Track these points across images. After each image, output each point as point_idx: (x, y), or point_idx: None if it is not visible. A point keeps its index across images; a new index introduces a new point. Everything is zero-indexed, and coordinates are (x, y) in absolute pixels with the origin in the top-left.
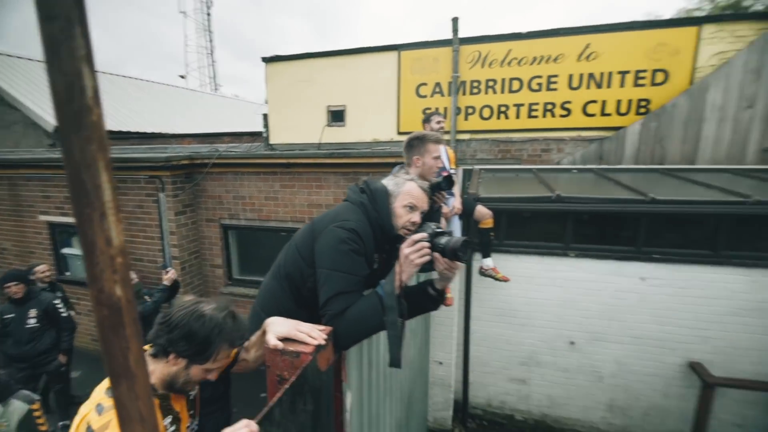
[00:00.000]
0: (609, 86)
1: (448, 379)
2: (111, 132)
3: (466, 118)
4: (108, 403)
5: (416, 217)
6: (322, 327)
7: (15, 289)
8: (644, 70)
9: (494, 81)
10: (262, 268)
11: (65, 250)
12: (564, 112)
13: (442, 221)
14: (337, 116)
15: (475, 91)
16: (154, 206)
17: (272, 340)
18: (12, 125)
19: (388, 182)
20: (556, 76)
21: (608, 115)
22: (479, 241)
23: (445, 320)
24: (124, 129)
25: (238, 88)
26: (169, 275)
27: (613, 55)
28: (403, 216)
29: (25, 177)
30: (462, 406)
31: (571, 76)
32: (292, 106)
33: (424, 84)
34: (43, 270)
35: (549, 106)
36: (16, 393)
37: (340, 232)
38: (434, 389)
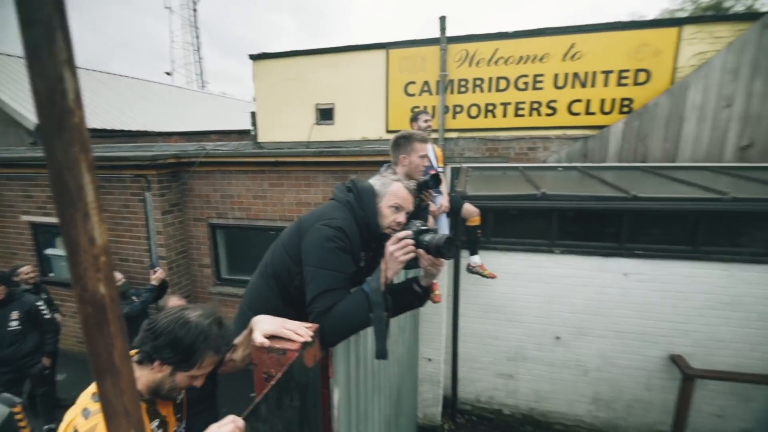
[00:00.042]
0: (593, 86)
1: (437, 376)
2: (95, 130)
3: (454, 117)
4: (94, 407)
5: (402, 218)
6: (309, 324)
7: None
8: (627, 70)
9: (481, 80)
10: (251, 267)
11: (48, 251)
12: (550, 111)
13: (430, 219)
14: (325, 114)
15: (463, 89)
16: (140, 205)
17: (259, 338)
18: None
19: (375, 182)
20: (542, 75)
21: (593, 114)
22: (467, 239)
23: (434, 317)
24: (109, 127)
25: (226, 85)
26: (157, 275)
27: (597, 55)
28: (388, 216)
29: (6, 176)
30: (451, 402)
31: (556, 76)
32: (280, 105)
33: (413, 82)
34: (27, 271)
35: (535, 105)
36: None
37: (326, 230)
38: (424, 386)
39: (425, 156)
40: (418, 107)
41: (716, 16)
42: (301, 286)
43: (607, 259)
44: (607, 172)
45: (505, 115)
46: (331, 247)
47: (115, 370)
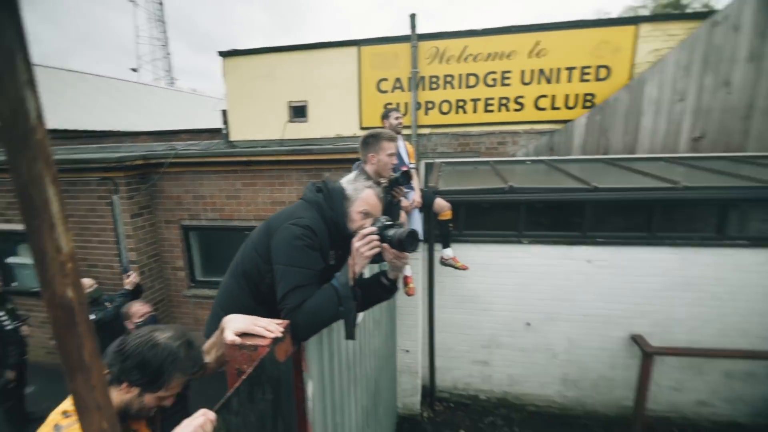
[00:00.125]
0: (558, 81)
1: (415, 366)
2: (56, 131)
3: (426, 113)
4: (65, 422)
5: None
6: (279, 321)
7: None
8: (589, 66)
9: (452, 76)
10: (226, 268)
11: (10, 259)
12: (517, 107)
13: (402, 214)
14: (298, 112)
15: (434, 86)
16: (107, 209)
17: (230, 336)
18: None
19: (347, 185)
20: (509, 72)
21: (558, 108)
22: (439, 233)
23: (411, 310)
24: (71, 127)
25: (197, 82)
26: (131, 279)
27: (561, 52)
28: (357, 221)
29: None
30: (429, 391)
31: (523, 72)
32: (252, 102)
33: (385, 79)
34: None
35: (503, 101)
36: None
37: (294, 228)
38: (402, 377)
39: (394, 154)
40: (390, 104)
41: (670, 14)
42: (271, 284)
43: (572, 248)
44: (572, 164)
45: (475, 111)
46: (299, 245)
47: (85, 367)
